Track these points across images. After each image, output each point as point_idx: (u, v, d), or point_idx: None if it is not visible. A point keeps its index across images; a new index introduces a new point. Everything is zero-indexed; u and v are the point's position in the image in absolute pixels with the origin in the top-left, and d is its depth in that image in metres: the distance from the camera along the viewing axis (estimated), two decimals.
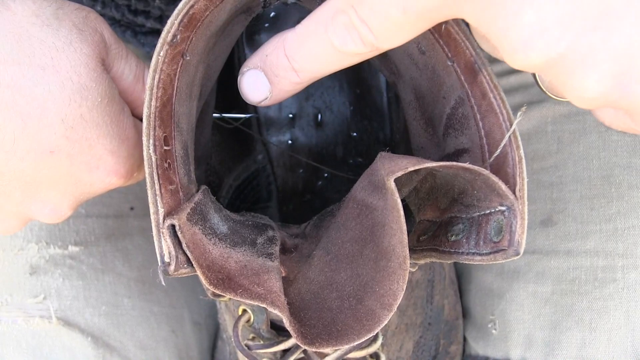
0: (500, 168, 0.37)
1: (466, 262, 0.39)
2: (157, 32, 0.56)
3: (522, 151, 0.37)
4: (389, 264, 0.37)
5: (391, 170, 0.35)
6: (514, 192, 0.36)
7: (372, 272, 0.38)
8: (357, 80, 0.60)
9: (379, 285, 0.37)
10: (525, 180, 0.37)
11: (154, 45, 0.38)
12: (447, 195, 0.42)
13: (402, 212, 0.35)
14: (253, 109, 0.60)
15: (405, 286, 0.36)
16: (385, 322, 0.37)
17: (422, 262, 0.42)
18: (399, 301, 0.36)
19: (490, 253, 0.37)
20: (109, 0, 0.55)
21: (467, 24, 0.39)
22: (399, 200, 0.35)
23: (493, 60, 0.63)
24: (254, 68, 0.40)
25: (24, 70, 0.38)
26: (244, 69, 0.41)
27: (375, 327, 0.37)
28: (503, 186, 0.36)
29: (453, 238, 0.40)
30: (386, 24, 0.34)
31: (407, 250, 0.36)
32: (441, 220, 0.42)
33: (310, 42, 0.38)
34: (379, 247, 0.37)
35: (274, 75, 0.40)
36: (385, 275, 0.37)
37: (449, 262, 0.40)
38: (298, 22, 0.60)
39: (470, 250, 0.38)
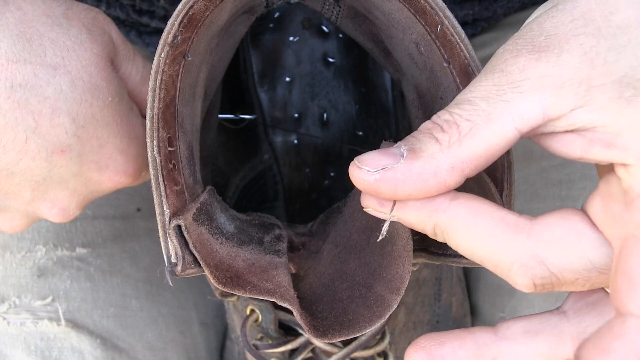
0: (490, 173, 0.36)
1: (453, 264, 0.38)
2: (162, 32, 0.56)
3: (511, 156, 0.36)
4: (394, 248, 0.36)
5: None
6: (501, 197, 0.36)
7: (379, 259, 0.38)
8: (362, 78, 0.60)
9: (386, 270, 0.37)
10: (514, 185, 0.36)
11: None
12: None
13: None
14: (258, 109, 0.60)
15: (411, 268, 0.36)
16: (395, 306, 0.37)
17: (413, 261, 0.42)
18: (406, 284, 0.36)
19: None
20: (113, 0, 0.55)
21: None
22: None
23: None
24: None
25: (36, 70, 0.39)
26: None
27: (385, 313, 0.37)
28: (493, 188, 0.35)
29: None
30: None
31: (410, 232, 0.36)
32: None
33: None
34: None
35: None
36: (391, 260, 0.37)
37: (437, 263, 0.40)
38: (302, 22, 0.60)
39: (458, 253, 0.38)
